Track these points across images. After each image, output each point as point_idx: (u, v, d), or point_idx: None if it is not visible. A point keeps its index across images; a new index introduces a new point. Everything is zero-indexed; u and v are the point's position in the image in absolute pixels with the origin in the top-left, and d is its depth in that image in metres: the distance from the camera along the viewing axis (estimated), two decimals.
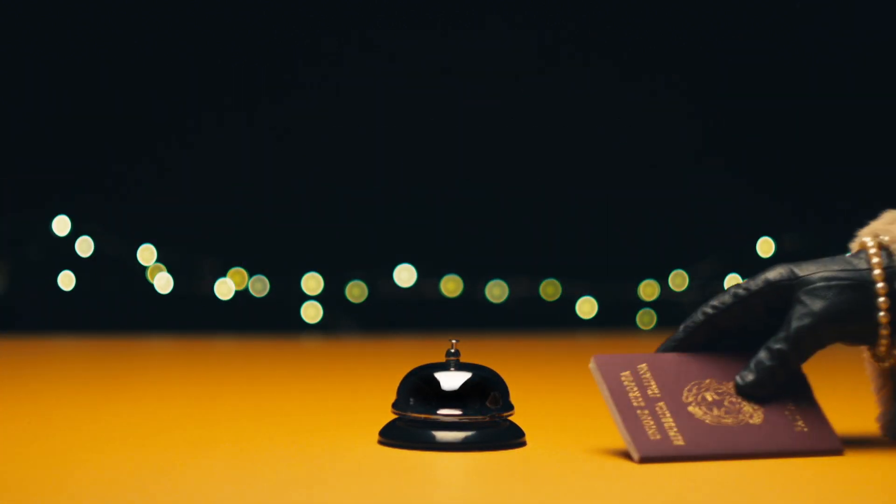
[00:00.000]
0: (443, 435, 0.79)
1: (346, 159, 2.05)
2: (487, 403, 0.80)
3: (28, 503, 0.64)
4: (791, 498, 0.67)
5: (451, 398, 0.79)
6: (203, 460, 0.76)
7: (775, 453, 0.76)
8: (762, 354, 0.79)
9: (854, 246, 0.82)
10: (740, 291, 0.80)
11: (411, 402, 0.80)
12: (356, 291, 2.04)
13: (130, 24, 2.00)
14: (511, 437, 0.81)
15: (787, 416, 0.79)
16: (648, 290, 2.13)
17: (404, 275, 2.05)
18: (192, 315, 1.99)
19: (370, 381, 1.32)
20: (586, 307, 2.11)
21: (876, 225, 0.81)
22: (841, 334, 0.79)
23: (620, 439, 0.77)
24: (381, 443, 0.81)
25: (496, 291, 2.09)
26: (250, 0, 2.03)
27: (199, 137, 2.04)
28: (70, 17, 1.97)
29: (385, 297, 2.04)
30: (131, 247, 1.99)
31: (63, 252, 1.97)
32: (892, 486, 0.70)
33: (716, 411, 0.78)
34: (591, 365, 0.79)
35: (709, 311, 0.80)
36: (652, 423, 0.75)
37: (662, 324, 2.14)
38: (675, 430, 0.75)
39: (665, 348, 0.82)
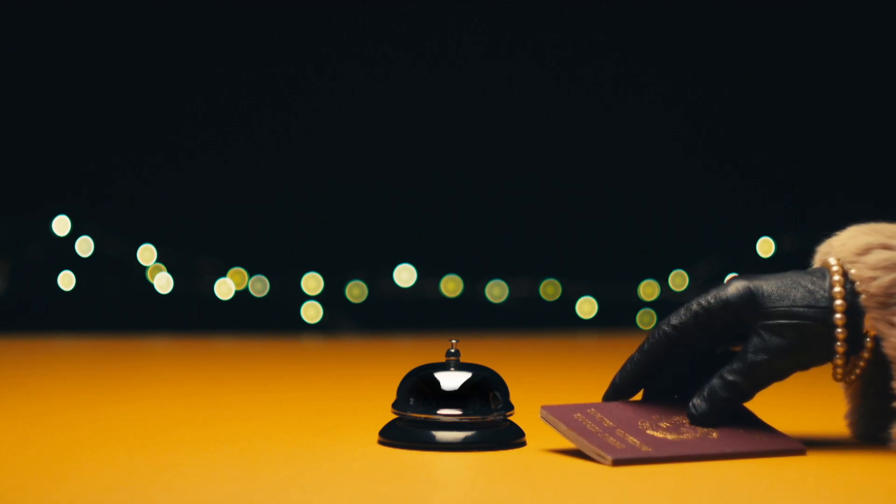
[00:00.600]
0: (443, 435, 0.79)
1: (347, 159, 2.05)
2: (487, 403, 0.80)
3: (28, 503, 0.64)
4: (789, 496, 0.67)
5: (451, 398, 0.79)
6: (203, 460, 0.76)
7: (743, 454, 0.77)
8: (716, 383, 0.78)
9: (817, 261, 0.81)
10: (699, 310, 0.79)
11: (411, 402, 0.80)
12: (356, 291, 2.04)
13: (131, 24, 2.00)
14: (511, 437, 0.81)
15: (742, 430, 0.80)
16: (648, 290, 2.13)
17: (404, 275, 2.05)
18: (192, 315, 1.99)
19: (370, 381, 1.32)
20: (586, 307, 2.11)
21: (843, 247, 0.80)
22: (794, 368, 0.78)
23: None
24: (381, 443, 0.81)
25: (496, 291, 2.09)
26: (252, 3, 2.03)
27: (199, 137, 2.04)
28: (71, 16, 1.97)
29: (385, 297, 2.04)
30: (131, 247, 1.99)
31: (63, 252, 1.97)
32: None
33: (673, 434, 0.78)
34: (542, 413, 0.79)
35: (667, 329, 0.79)
36: (614, 440, 0.76)
37: None
38: (640, 443, 0.76)
39: (625, 370, 0.81)
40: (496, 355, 1.52)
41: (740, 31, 2.14)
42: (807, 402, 1.08)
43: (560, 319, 2.10)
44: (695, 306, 0.79)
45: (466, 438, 0.79)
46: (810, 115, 2.14)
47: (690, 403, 0.79)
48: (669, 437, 0.78)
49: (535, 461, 0.76)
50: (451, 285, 2.07)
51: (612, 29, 2.12)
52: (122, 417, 0.98)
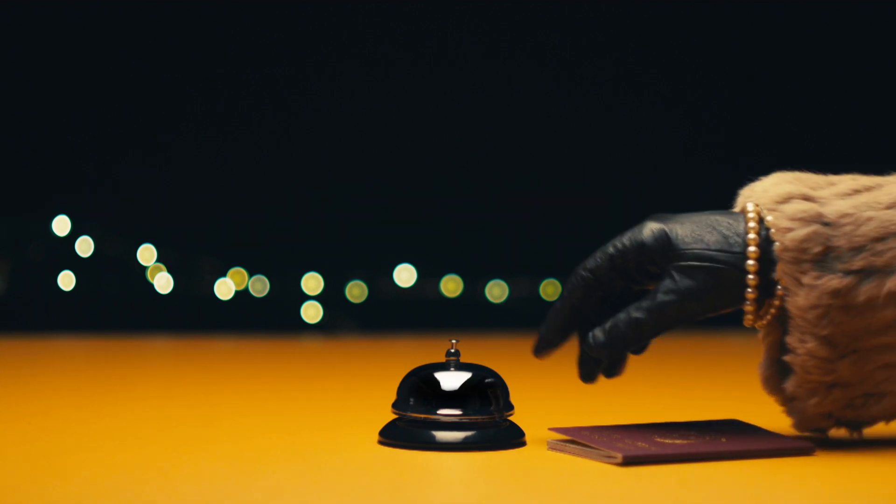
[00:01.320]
0: (443, 435, 0.79)
1: (347, 159, 2.05)
2: (487, 403, 0.80)
3: (28, 503, 0.64)
4: (789, 496, 0.67)
5: (451, 398, 0.79)
6: (203, 460, 0.76)
7: (752, 452, 0.77)
8: (620, 317, 0.78)
9: (738, 204, 0.80)
10: (614, 253, 0.78)
11: (411, 402, 0.80)
12: (356, 291, 2.04)
13: (131, 24, 2.00)
14: (511, 437, 0.81)
15: (750, 434, 0.80)
16: None
17: (404, 275, 2.05)
18: (192, 315, 1.99)
19: (370, 381, 1.32)
20: None
21: (764, 194, 0.78)
22: (704, 311, 0.77)
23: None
24: (381, 443, 0.81)
25: (496, 291, 2.09)
26: (253, 4, 2.03)
27: (199, 137, 2.04)
28: (71, 16, 1.97)
29: (385, 297, 2.04)
30: (131, 247, 1.99)
31: (63, 252, 1.97)
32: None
33: (682, 440, 0.78)
34: (550, 444, 0.80)
35: (584, 273, 0.79)
36: (623, 445, 0.76)
37: None
38: (647, 446, 0.76)
39: (548, 320, 0.82)
40: (496, 355, 1.52)
41: (740, 31, 2.14)
42: None
43: None
44: (610, 249, 0.79)
45: (466, 438, 0.79)
46: (810, 115, 2.14)
47: (590, 333, 0.79)
48: (679, 441, 0.78)
49: (535, 461, 0.76)
50: (451, 285, 2.07)
51: (612, 29, 2.12)
52: (122, 417, 0.98)
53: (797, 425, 0.80)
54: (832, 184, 0.79)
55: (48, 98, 1.98)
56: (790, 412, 0.80)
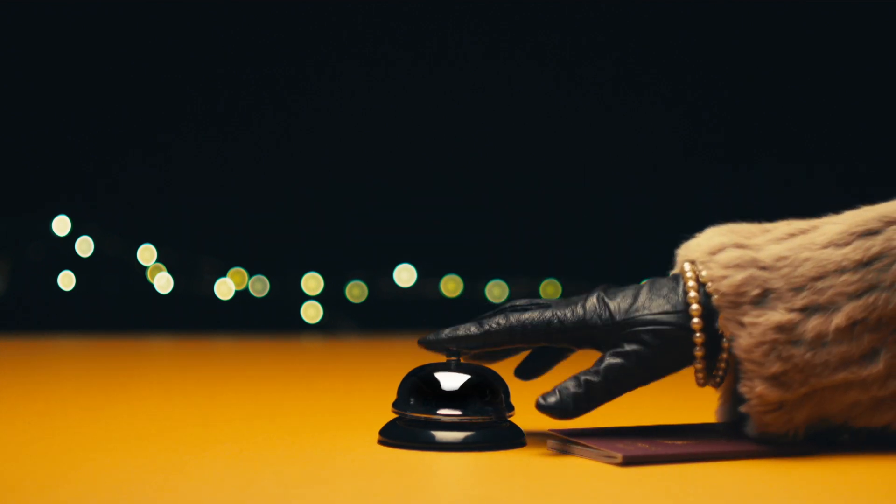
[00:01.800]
0: (443, 435, 0.79)
1: (347, 159, 2.05)
2: (487, 404, 0.80)
3: (28, 503, 0.64)
4: (790, 496, 0.67)
5: (451, 398, 0.79)
6: (203, 460, 0.76)
7: (752, 453, 0.77)
8: (569, 381, 0.77)
9: (677, 263, 0.80)
10: (553, 320, 0.78)
11: (411, 402, 0.80)
12: (356, 291, 2.04)
13: (131, 24, 2.00)
14: (511, 438, 0.81)
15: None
16: None
17: (404, 275, 2.05)
18: (192, 315, 1.99)
19: (370, 381, 1.32)
20: None
21: (698, 248, 0.78)
22: (655, 374, 0.77)
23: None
24: (381, 443, 0.81)
25: (496, 291, 2.09)
26: (253, 4, 2.03)
27: (199, 138, 2.04)
28: (71, 16, 1.97)
29: (385, 297, 2.04)
30: (131, 247, 1.99)
31: (63, 252, 1.97)
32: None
33: (682, 441, 0.78)
34: (549, 443, 0.80)
35: (515, 323, 0.79)
36: (623, 445, 0.76)
37: None
38: (647, 446, 0.76)
39: (458, 336, 0.80)
40: None
41: (740, 31, 2.14)
42: None
43: None
44: (549, 314, 0.78)
45: (466, 438, 0.79)
46: (810, 115, 2.14)
47: (539, 397, 0.77)
48: (679, 441, 0.78)
49: (535, 461, 0.76)
50: (451, 285, 2.07)
51: (612, 29, 2.12)
52: (122, 417, 0.98)
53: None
54: (766, 231, 0.79)
55: (48, 98, 1.99)
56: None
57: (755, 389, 0.74)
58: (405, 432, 0.80)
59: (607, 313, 0.77)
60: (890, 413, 0.76)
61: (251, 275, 2.03)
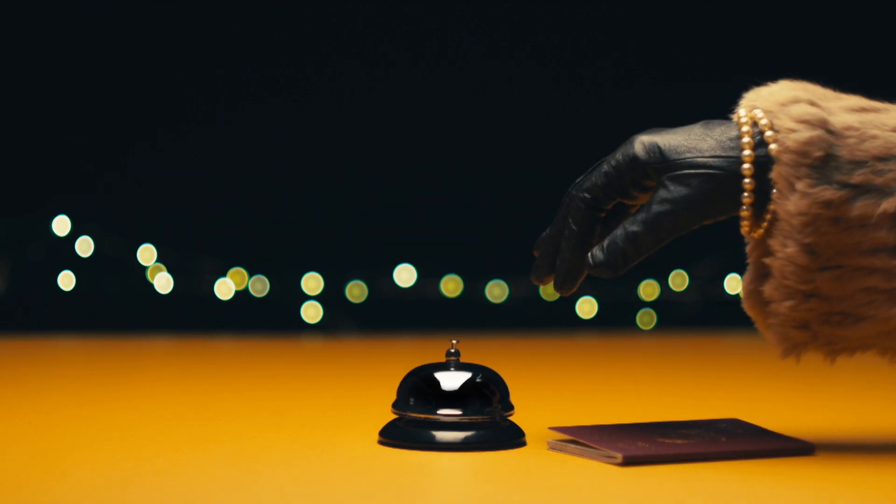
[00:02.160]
0: (443, 435, 0.79)
1: (346, 159, 2.05)
2: (487, 404, 0.80)
3: (28, 503, 0.64)
4: (789, 495, 0.67)
5: (451, 398, 0.79)
6: (203, 460, 0.76)
7: (752, 452, 0.77)
8: (617, 233, 0.76)
9: (741, 107, 0.79)
10: (609, 170, 0.77)
11: (411, 402, 0.80)
12: (356, 291, 2.04)
13: (131, 24, 2.00)
14: (511, 437, 0.81)
15: (750, 434, 0.80)
16: (648, 290, 2.13)
17: (404, 275, 2.05)
18: (192, 315, 1.99)
19: (370, 381, 1.32)
20: (586, 307, 2.11)
21: (770, 98, 0.77)
22: (700, 219, 0.76)
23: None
24: (381, 443, 0.81)
25: (496, 291, 2.09)
26: (253, 4, 2.03)
27: (199, 138, 2.04)
28: (71, 16, 1.97)
29: (385, 297, 2.04)
30: (131, 247, 1.99)
31: (63, 252, 1.97)
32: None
33: (683, 440, 0.78)
34: (550, 443, 0.80)
35: (584, 195, 0.78)
36: (623, 445, 0.76)
37: (662, 324, 2.14)
38: (647, 446, 0.76)
39: (563, 252, 0.80)
40: (496, 355, 1.52)
41: (740, 31, 2.14)
42: (809, 402, 1.08)
43: (560, 319, 2.10)
44: (604, 167, 0.78)
45: (466, 438, 0.79)
46: None
47: (589, 253, 0.77)
48: (679, 441, 0.78)
49: (535, 461, 0.76)
50: (451, 285, 2.07)
51: (612, 29, 2.12)
52: (123, 417, 0.98)
53: (775, 338, 0.77)
54: (839, 98, 0.77)
55: (48, 98, 1.98)
56: (768, 323, 0.77)
57: (786, 249, 0.74)
58: (405, 432, 0.80)
59: (656, 151, 0.76)
60: None
61: (251, 275, 2.03)
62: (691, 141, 0.76)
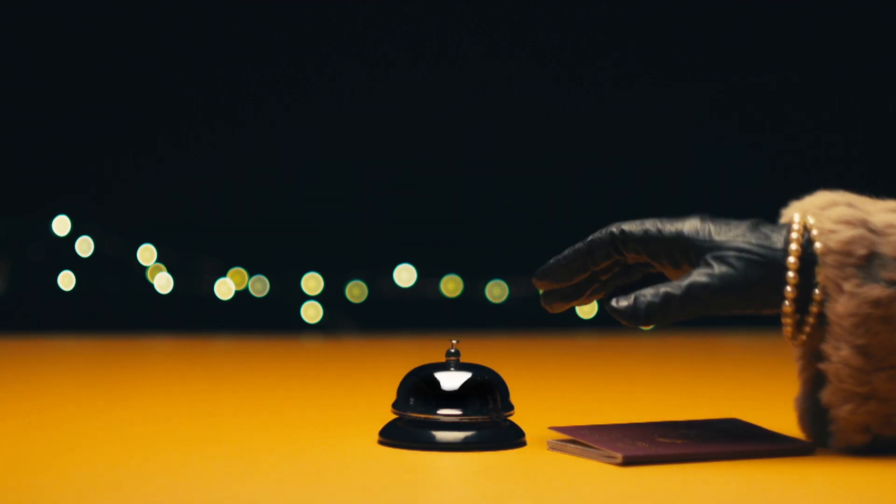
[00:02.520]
0: (443, 435, 0.79)
1: (346, 159, 2.05)
2: (487, 404, 0.80)
3: (28, 503, 0.64)
4: (789, 495, 0.67)
5: (451, 398, 0.79)
6: (203, 460, 0.76)
7: (752, 452, 0.77)
8: (647, 290, 0.76)
9: (784, 217, 0.80)
10: (651, 228, 0.77)
11: (411, 402, 0.80)
12: (356, 291, 2.04)
13: (131, 24, 2.00)
14: (511, 437, 0.81)
15: (750, 434, 0.80)
16: None
17: (404, 275, 2.05)
18: (192, 315, 1.99)
19: (370, 381, 1.32)
20: (586, 307, 2.11)
21: (809, 203, 0.78)
22: (737, 303, 0.75)
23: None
24: (381, 443, 0.81)
25: (496, 291, 2.09)
26: (253, 4, 2.03)
27: (199, 138, 2.04)
28: (71, 16, 1.97)
29: (385, 297, 2.04)
30: (131, 247, 1.99)
31: (63, 252, 1.97)
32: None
33: (682, 440, 0.78)
34: (550, 443, 0.80)
35: (615, 231, 0.79)
36: (623, 445, 0.76)
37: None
38: (647, 446, 0.76)
39: (562, 254, 0.82)
40: (496, 355, 1.52)
41: (740, 32, 2.14)
42: None
43: (560, 319, 2.10)
44: (648, 223, 0.78)
45: (466, 438, 0.79)
46: (809, 115, 2.14)
47: (613, 298, 0.77)
48: (678, 442, 0.78)
49: (535, 461, 0.76)
50: (451, 285, 2.07)
51: (612, 29, 2.12)
52: (122, 417, 0.98)
53: (835, 440, 0.77)
54: (875, 202, 0.79)
55: (48, 98, 1.98)
56: (829, 430, 0.77)
57: (840, 352, 0.74)
58: (405, 432, 0.80)
59: (706, 232, 0.76)
60: None
61: (251, 275, 2.02)
62: (740, 231, 0.76)
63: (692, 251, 0.76)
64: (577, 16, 2.11)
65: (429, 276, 2.06)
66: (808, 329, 0.76)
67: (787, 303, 0.75)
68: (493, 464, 0.75)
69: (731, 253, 0.75)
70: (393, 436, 0.81)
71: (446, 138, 2.08)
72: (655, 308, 0.75)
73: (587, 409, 1.06)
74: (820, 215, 0.76)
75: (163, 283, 1.99)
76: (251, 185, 2.03)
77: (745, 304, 0.75)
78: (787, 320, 0.76)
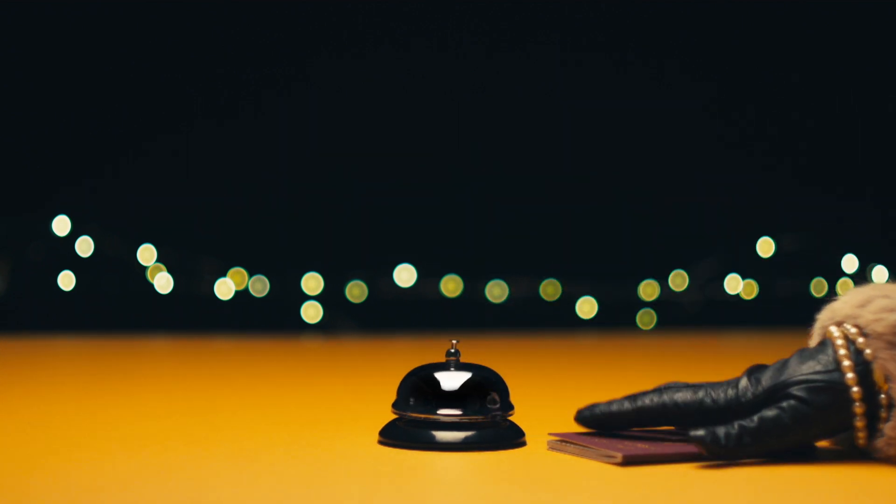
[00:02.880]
0: (443, 435, 0.79)
1: (347, 159, 2.05)
2: (487, 403, 0.80)
3: (28, 503, 0.64)
4: (789, 495, 0.67)
5: (451, 398, 0.79)
6: (203, 460, 0.76)
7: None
8: (722, 427, 0.76)
9: (815, 332, 0.80)
10: (705, 398, 0.77)
11: (411, 402, 0.80)
12: (356, 291, 2.04)
13: (131, 24, 2.00)
14: (511, 437, 0.81)
15: None
16: (648, 290, 2.13)
17: (404, 275, 2.05)
18: (192, 315, 1.99)
19: (370, 381, 1.32)
20: (586, 307, 2.11)
21: (839, 308, 0.79)
22: (809, 434, 0.76)
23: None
24: (381, 443, 0.81)
25: (496, 291, 2.09)
26: (253, 4, 2.03)
27: (199, 138, 2.04)
28: (71, 16, 1.97)
29: (385, 297, 2.04)
30: (131, 247, 1.99)
31: (63, 252, 1.97)
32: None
33: (680, 440, 0.78)
34: (550, 443, 0.80)
35: (668, 402, 0.78)
36: (623, 446, 0.76)
37: (662, 324, 2.14)
38: (647, 447, 0.76)
39: (611, 412, 0.79)
40: (496, 355, 1.52)
41: (740, 32, 2.14)
42: None
43: (560, 319, 2.10)
44: (701, 393, 0.78)
45: (466, 438, 0.79)
46: (808, 115, 2.14)
47: (694, 433, 0.76)
48: (679, 442, 0.78)
49: (535, 461, 0.76)
50: (451, 285, 2.07)
51: (612, 29, 2.12)
52: (122, 417, 0.98)
53: (878, 452, 0.77)
54: None
55: (48, 98, 1.99)
56: (874, 444, 0.77)
57: None
58: (405, 432, 0.80)
59: (759, 387, 0.77)
60: None
61: (251, 275, 2.03)
62: (790, 368, 0.77)
63: (752, 410, 0.77)
64: (577, 16, 2.11)
65: (429, 276, 2.06)
66: (879, 434, 0.77)
67: (857, 417, 0.76)
68: (493, 464, 0.75)
69: (791, 389, 0.76)
70: (393, 436, 0.81)
71: (446, 138, 2.08)
72: (732, 437, 0.76)
73: None
74: (860, 313, 0.77)
75: (163, 283, 1.99)
76: (251, 185, 2.03)
77: (820, 431, 0.76)
78: (860, 434, 0.76)
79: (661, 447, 0.76)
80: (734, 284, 2.14)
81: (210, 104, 2.04)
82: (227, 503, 0.64)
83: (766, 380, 0.77)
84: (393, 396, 0.82)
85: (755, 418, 0.76)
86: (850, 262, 2.16)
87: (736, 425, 0.75)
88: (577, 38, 2.13)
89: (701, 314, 2.14)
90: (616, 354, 1.78)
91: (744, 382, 0.78)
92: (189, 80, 2.03)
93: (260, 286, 2.02)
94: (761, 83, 2.16)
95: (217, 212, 2.01)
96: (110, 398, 1.14)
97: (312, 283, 2.03)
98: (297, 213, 2.04)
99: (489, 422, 0.80)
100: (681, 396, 0.78)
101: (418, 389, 0.80)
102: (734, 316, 2.11)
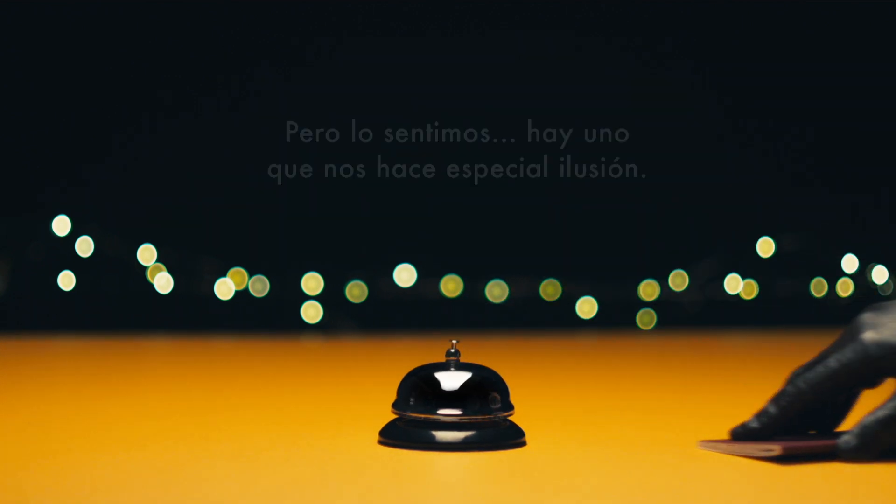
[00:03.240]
0: (443, 435, 0.79)
1: (347, 159, 2.05)
2: (490, 403, 0.80)
3: (27, 503, 0.64)
4: (790, 495, 0.67)
5: (451, 398, 0.79)
6: (203, 460, 0.76)
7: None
8: (867, 419, 0.74)
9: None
10: (838, 368, 0.75)
11: (411, 402, 0.80)
12: (356, 291, 2.04)
13: (131, 24, 2.00)
14: (511, 437, 0.81)
15: None
16: (648, 290, 2.13)
17: (404, 275, 2.05)
18: (192, 315, 1.99)
19: (370, 381, 1.32)
20: (586, 307, 2.11)
21: None
22: None
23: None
24: (381, 443, 0.81)
25: (496, 291, 2.09)
26: (253, 4, 2.03)
27: (199, 138, 2.04)
28: (71, 16, 1.97)
29: (385, 297, 2.04)
30: (131, 247, 1.99)
31: (63, 252, 1.97)
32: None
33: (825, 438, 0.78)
34: (701, 445, 0.80)
35: (803, 386, 0.77)
36: (777, 440, 0.76)
37: (662, 324, 2.14)
38: (799, 444, 0.76)
39: (763, 421, 0.78)
40: (496, 355, 1.52)
41: (740, 32, 2.14)
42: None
43: (560, 319, 2.10)
44: (833, 363, 0.76)
45: (466, 438, 0.79)
46: (808, 115, 2.14)
47: (840, 441, 0.75)
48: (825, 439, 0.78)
49: (535, 461, 0.76)
50: (451, 285, 2.07)
51: (612, 29, 2.12)
52: (122, 417, 0.98)
53: None
54: None
55: (48, 98, 1.99)
56: None
57: None
58: (405, 432, 0.80)
59: (890, 345, 0.74)
60: None
61: (251, 275, 2.03)
62: None
63: (884, 369, 0.75)
64: (577, 15, 2.11)
65: (429, 276, 2.06)
66: None
67: None
68: (493, 464, 0.75)
69: None
70: (393, 436, 0.81)
71: (446, 138, 2.08)
72: (884, 436, 0.74)
73: (587, 409, 1.06)
74: None
75: (163, 283, 1.99)
76: (251, 185, 2.03)
77: None
78: None
79: (816, 441, 0.76)
80: (734, 284, 2.14)
81: (210, 104, 2.04)
82: (226, 503, 0.64)
83: (893, 334, 0.74)
84: (393, 396, 0.82)
85: (892, 405, 0.73)
86: (850, 262, 2.16)
87: (883, 419, 0.73)
88: (577, 38, 2.13)
89: (701, 314, 2.14)
90: (616, 354, 1.78)
91: (869, 335, 0.75)
92: (189, 80, 2.03)
93: (260, 286, 2.02)
94: (761, 83, 2.16)
95: (217, 212, 2.01)
96: (110, 398, 1.14)
97: (312, 283, 2.03)
98: (298, 213, 2.04)
99: (489, 422, 0.80)
100: (813, 375, 0.76)
101: (418, 389, 0.80)
102: (734, 316, 2.12)
